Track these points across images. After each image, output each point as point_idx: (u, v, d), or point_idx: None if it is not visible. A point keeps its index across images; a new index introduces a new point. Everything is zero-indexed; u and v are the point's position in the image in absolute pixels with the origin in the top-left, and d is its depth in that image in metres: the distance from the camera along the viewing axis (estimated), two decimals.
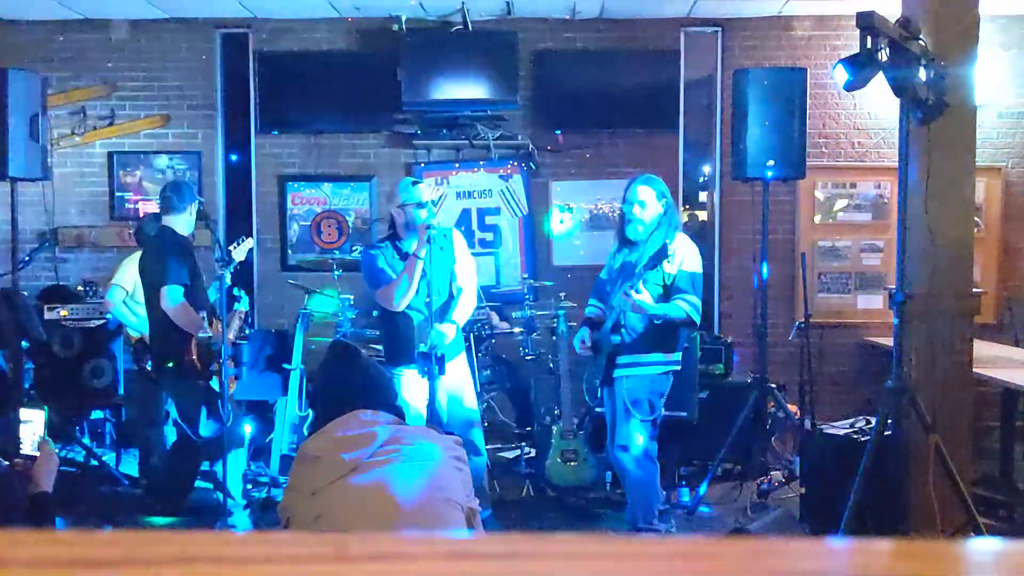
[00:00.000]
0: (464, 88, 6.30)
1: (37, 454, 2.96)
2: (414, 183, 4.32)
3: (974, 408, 4.61)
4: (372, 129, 6.66)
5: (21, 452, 3.28)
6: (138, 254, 5.01)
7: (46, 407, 3.87)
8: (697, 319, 4.26)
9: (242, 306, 4.96)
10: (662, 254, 4.05)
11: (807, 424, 5.21)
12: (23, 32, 6.61)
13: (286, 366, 5.45)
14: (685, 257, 4.22)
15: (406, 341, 4.27)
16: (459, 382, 4.42)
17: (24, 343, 5.25)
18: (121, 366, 5.78)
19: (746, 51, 6.51)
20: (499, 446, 5.86)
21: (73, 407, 5.69)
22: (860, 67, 3.68)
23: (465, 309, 4.40)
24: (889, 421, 4.12)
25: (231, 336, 4.67)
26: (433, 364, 4.04)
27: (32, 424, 3.54)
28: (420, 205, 4.21)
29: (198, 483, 4.94)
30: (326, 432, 2.45)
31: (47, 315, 5.60)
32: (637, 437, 4.26)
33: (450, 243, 4.36)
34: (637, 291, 4.05)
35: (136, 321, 5.10)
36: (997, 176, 6.47)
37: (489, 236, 6.65)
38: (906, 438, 4.26)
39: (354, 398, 2.52)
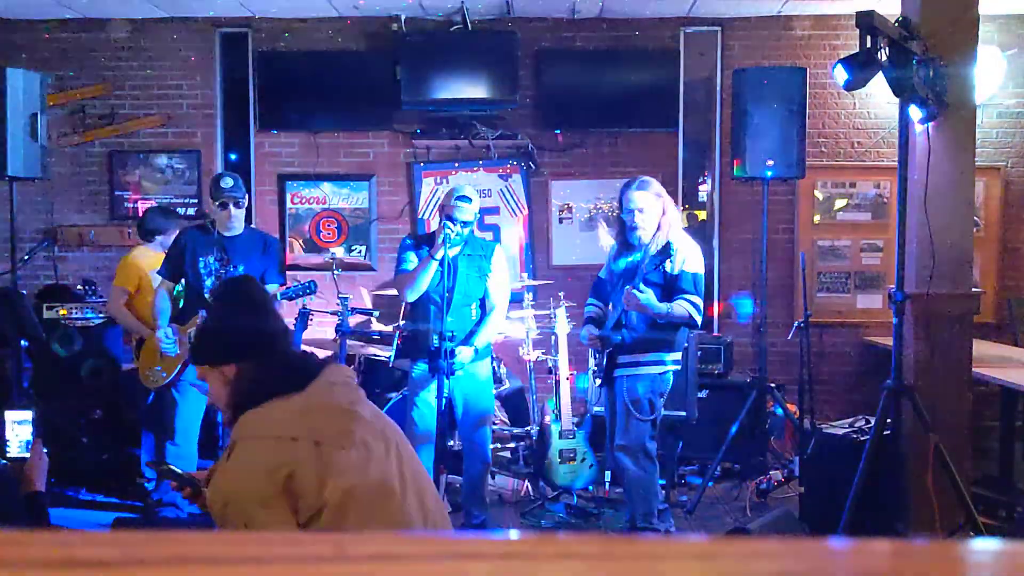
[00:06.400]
0: (464, 87, 6.30)
1: (27, 455, 2.95)
2: (459, 197, 4.35)
3: (974, 408, 4.61)
4: (372, 128, 6.65)
5: (8, 454, 3.25)
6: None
7: (33, 408, 3.84)
8: (699, 319, 4.25)
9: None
10: (665, 253, 4.05)
11: (806, 424, 5.20)
12: (23, 32, 6.60)
13: None
14: (687, 257, 4.21)
15: (423, 336, 4.43)
16: (478, 383, 4.50)
17: (23, 342, 5.24)
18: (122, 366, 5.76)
19: (746, 51, 6.51)
20: (497, 446, 5.85)
21: (71, 406, 5.67)
22: (860, 67, 3.68)
23: (489, 332, 4.51)
24: (888, 421, 4.12)
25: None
26: (442, 361, 4.14)
27: (20, 426, 3.51)
28: (451, 219, 4.27)
29: None
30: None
31: (46, 314, 5.58)
32: (637, 437, 4.26)
33: (488, 256, 4.48)
34: (641, 291, 4.05)
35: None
36: (996, 176, 6.47)
37: (488, 236, 6.64)
38: (905, 438, 4.26)
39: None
